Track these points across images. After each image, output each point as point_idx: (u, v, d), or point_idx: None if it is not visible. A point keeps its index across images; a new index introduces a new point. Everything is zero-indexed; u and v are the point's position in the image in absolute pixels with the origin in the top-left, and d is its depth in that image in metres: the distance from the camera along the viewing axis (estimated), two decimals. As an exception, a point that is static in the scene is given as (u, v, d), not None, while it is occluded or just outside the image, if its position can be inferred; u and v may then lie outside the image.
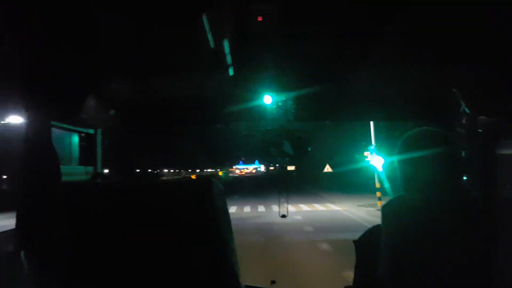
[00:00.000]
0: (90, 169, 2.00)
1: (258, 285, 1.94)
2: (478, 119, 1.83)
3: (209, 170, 66.04)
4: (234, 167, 75.05)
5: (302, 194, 24.99)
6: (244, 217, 14.66)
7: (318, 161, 30.55)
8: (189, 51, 1.68)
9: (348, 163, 25.38)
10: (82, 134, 1.97)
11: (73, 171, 1.92)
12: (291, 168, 38.74)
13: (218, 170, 65.25)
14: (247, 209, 18.22)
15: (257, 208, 18.56)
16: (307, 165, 38.74)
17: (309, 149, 2.19)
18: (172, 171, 54.71)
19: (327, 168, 26.82)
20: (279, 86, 2.06)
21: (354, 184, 25.76)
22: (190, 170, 59.18)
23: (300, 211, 17.17)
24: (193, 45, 1.62)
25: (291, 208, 16.93)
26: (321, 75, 1.96)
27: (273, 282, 2.61)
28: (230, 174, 67.67)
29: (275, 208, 16.76)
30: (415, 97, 2.02)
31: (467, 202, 1.23)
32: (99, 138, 2.01)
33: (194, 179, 0.99)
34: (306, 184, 35.47)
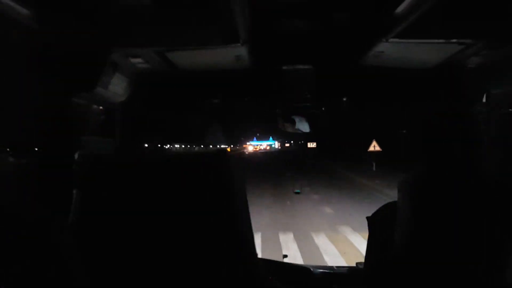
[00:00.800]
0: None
1: (271, 259, 1.98)
2: (498, 97, 1.79)
3: (222, 146, 66.00)
4: (248, 143, 75.16)
5: (352, 192, 13.47)
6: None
7: (353, 137, 24.90)
8: (207, 24, 1.66)
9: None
10: (101, 108, 1.99)
11: (100, 144, 1.95)
12: (311, 145, 33.65)
13: (230, 146, 65.32)
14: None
15: (279, 243, 7.24)
16: (339, 142, 32.23)
17: (325, 126, 2.16)
18: (183, 146, 54.85)
19: (374, 146, 19.29)
20: (298, 59, 2.01)
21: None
22: (202, 146, 59.15)
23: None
24: (211, 17, 1.60)
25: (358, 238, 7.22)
26: (340, 48, 1.92)
27: (285, 256, 2.66)
28: (244, 151, 67.67)
29: (327, 248, 6.92)
30: (434, 75, 1.97)
31: (486, 184, 1.22)
32: (118, 111, 2.03)
33: (210, 152, 0.98)
34: (342, 168, 22.79)
